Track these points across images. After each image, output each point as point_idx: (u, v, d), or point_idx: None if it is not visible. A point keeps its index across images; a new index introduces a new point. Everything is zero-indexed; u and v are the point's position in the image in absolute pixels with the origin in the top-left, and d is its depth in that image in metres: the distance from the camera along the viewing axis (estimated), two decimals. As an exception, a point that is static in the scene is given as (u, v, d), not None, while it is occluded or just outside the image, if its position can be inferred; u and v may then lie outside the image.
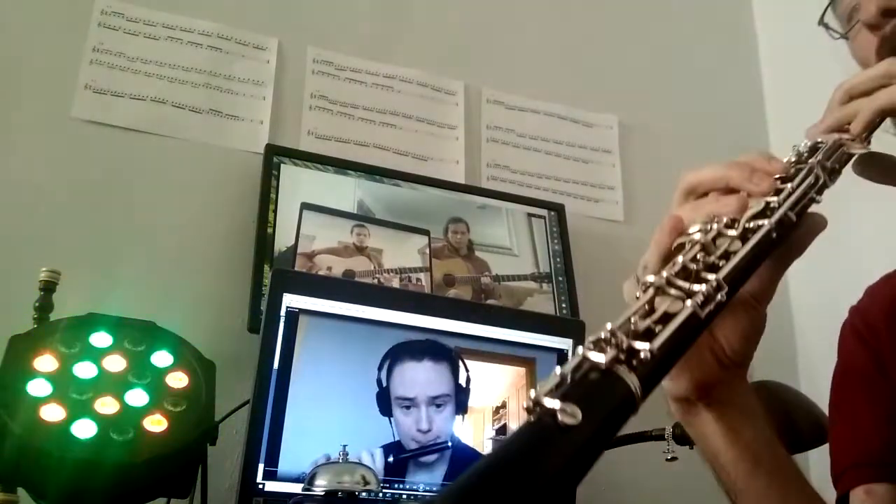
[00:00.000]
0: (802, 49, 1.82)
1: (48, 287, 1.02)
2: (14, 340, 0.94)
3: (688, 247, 0.49)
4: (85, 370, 0.93)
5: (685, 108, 1.85)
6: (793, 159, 0.60)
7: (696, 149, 1.80)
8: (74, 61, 1.37)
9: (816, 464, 1.09)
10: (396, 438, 1.10)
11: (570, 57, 1.79)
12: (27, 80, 1.34)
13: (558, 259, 1.53)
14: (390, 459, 1.08)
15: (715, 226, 0.50)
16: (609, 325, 0.38)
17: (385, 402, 1.10)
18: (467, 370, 1.15)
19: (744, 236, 0.50)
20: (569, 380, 0.36)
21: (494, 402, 1.18)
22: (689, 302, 0.42)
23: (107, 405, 0.91)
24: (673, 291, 0.43)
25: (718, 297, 0.44)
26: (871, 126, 0.62)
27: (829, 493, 0.74)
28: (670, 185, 0.60)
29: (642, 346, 0.38)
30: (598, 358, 0.36)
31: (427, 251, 1.45)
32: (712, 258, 0.47)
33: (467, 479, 0.31)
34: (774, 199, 0.53)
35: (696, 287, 0.44)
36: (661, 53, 1.88)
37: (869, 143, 0.63)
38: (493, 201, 1.55)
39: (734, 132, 1.88)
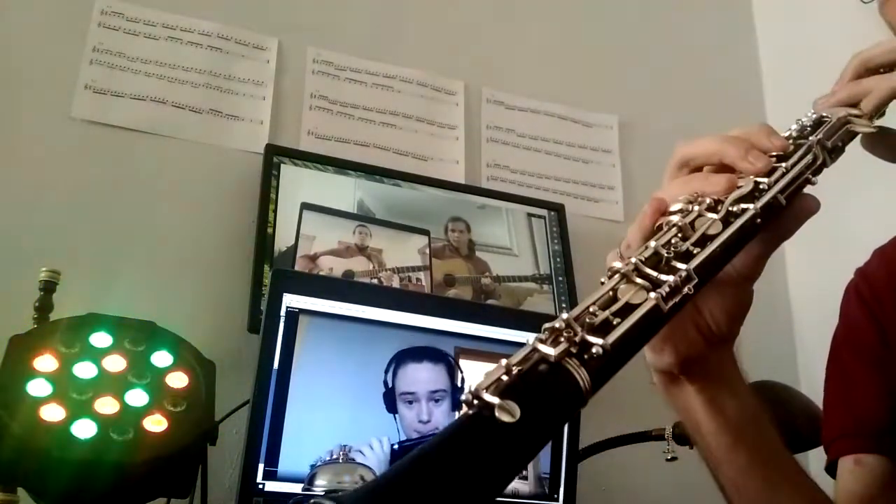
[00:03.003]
0: (803, 49, 1.82)
1: (48, 287, 1.02)
2: (14, 340, 0.94)
3: (664, 229, 0.47)
4: (85, 370, 0.93)
5: (685, 109, 1.84)
6: (794, 133, 0.57)
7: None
8: (74, 61, 1.37)
9: (816, 463, 1.08)
10: (402, 437, 1.11)
11: (570, 57, 1.79)
12: (27, 80, 1.34)
13: (558, 259, 1.53)
14: (395, 446, 1.09)
15: (696, 207, 0.48)
16: (565, 315, 0.37)
17: (391, 400, 1.12)
18: (461, 372, 1.16)
19: (725, 220, 0.47)
20: (514, 372, 0.34)
21: (494, 402, 1.18)
22: (652, 294, 0.41)
23: (107, 405, 0.91)
24: (639, 280, 0.42)
25: (686, 290, 0.43)
26: (884, 105, 0.59)
27: (828, 490, 0.74)
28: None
29: (596, 341, 0.37)
30: (548, 350, 0.35)
31: (427, 251, 1.45)
32: (686, 244, 0.45)
33: (392, 472, 0.31)
34: (765, 179, 0.50)
35: (663, 277, 0.42)
36: (661, 53, 1.88)
37: (883, 115, 0.60)
38: (493, 201, 1.54)
39: (734, 132, 1.88)
